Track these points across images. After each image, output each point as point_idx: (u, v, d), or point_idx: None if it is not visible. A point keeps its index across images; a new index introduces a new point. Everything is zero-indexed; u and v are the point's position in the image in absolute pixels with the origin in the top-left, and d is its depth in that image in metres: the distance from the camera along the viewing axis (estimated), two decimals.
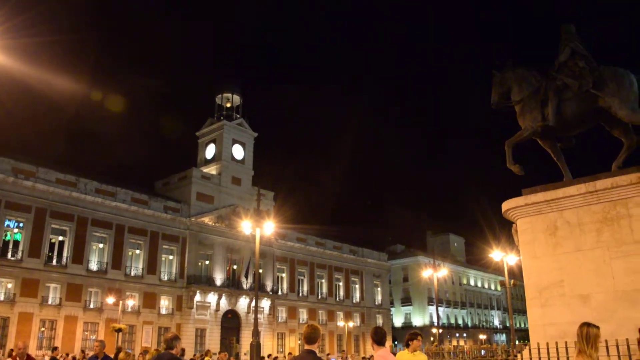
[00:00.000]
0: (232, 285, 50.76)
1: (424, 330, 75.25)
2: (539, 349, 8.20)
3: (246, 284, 51.19)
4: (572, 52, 9.99)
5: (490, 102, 10.80)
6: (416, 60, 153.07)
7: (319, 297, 60.81)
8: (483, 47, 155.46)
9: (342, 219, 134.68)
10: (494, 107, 10.77)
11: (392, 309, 77.75)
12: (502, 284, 37.42)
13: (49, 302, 39.18)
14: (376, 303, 68.24)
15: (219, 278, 50.02)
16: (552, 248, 9.31)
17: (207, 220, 50.36)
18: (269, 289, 53.75)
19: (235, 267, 51.94)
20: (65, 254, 40.89)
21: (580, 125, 10.09)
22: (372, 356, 7.02)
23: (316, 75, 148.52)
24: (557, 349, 7.91)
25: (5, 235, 38.31)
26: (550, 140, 10.34)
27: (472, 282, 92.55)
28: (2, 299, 36.86)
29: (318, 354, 5.52)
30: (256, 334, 24.53)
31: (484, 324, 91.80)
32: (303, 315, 58.06)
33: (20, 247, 38.57)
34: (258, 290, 27.61)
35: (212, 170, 54.58)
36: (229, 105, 59.21)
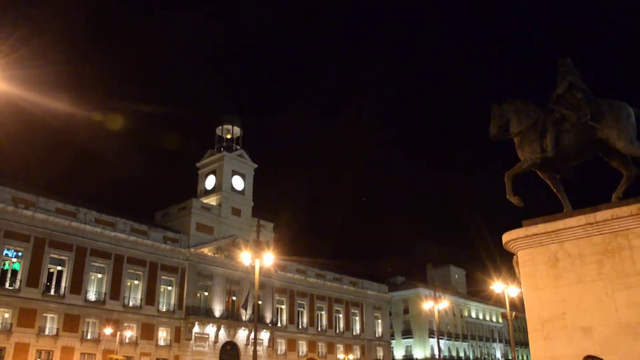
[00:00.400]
0: (231, 317, 50.29)
1: None
2: None
3: (245, 315, 50.70)
4: (570, 84, 10.11)
5: (489, 134, 10.90)
6: (418, 88, 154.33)
7: (319, 329, 60.17)
8: (479, 77, 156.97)
9: (342, 250, 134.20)
10: (493, 139, 10.85)
11: (393, 342, 76.82)
12: (504, 316, 37.07)
13: (46, 333, 38.80)
14: (377, 335, 67.49)
15: (218, 309, 49.58)
16: (554, 280, 9.26)
17: (206, 251, 50.15)
18: (268, 320, 53.24)
19: (234, 298, 51.54)
20: (63, 283, 40.64)
21: (579, 157, 10.14)
22: None
23: (317, 105, 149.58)
24: None
25: (4, 265, 38.15)
26: (549, 172, 10.38)
27: (473, 314, 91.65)
28: None
29: None
30: None
31: (486, 356, 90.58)
32: (303, 347, 57.35)
33: (19, 277, 38.37)
34: (257, 321, 27.37)
35: (212, 201, 54.58)
36: (229, 136, 59.53)
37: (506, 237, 10.08)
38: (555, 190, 10.38)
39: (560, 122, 9.95)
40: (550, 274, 9.33)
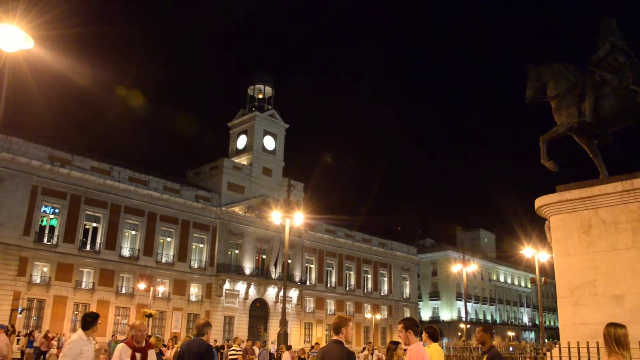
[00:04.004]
0: (261, 275, 51.15)
1: (452, 325, 74.78)
2: (569, 348, 8.09)
3: (275, 273, 51.52)
4: (612, 46, 9.75)
5: (525, 97, 10.63)
6: (449, 58, 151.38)
7: (347, 288, 60.90)
8: (519, 38, 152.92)
9: (372, 211, 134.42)
10: (529, 102, 10.57)
11: (420, 303, 77.42)
12: (533, 281, 36.95)
13: (83, 287, 40.09)
14: (404, 296, 68.03)
15: (248, 267, 50.46)
16: (586, 246, 9.15)
17: (237, 210, 50.76)
18: (297, 279, 54.03)
19: (264, 256, 52.31)
20: (98, 240, 41.72)
21: (619, 122, 9.85)
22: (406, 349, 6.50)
23: (349, 67, 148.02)
24: (587, 348, 7.80)
25: (42, 221, 39.25)
26: (586, 137, 10.12)
27: (502, 279, 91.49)
28: (38, 281, 37.87)
29: (346, 345, 5.51)
30: (284, 323, 24.75)
31: (513, 321, 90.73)
32: (331, 306, 58.25)
33: (56, 233, 39.50)
34: (287, 280, 27.81)
35: (243, 160, 54.92)
36: (260, 96, 59.41)
37: (539, 202, 9.95)
38: (591, 156, 10.16)
39: (600, 86, 9.63)
40: (583, 240, 9.22)
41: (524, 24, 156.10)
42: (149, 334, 25.91)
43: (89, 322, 6.73)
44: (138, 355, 6.73)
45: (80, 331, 6.68)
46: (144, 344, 6.95)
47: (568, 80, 10.02)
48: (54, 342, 26.97)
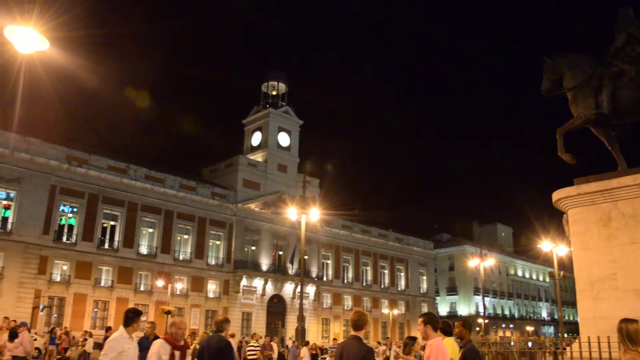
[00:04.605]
0: (278, 271, 51.30)
1: (470, 320, 74.33)
2: (589, 343, 8.01)
3: (292, 269, 51.65)
4: (629, 37, 9.61)
5: (541, 89, 10.51)
6: (467, 52, 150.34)
7: (364, 284, 60.88)
8: (538, 29, 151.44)
9: (388, 207, 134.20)
10: (545, 94, 10.45)
11: (437, 298, 77.18)
12: (551, 275, 36.66)
13: (102, 284, 40.53)
14: (421, 291, 67.85)
15: (265, 263, 50.63)
16: (605, 240, 9.04)
17: (253, 206, 50.93)
18: (314, 275, 54.11)
19: (281, 252, 52.44)
20: (116, 238, 42.11)
21: (637, 113, 9.70)
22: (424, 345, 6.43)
23: (365, 62, 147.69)
24: (608, 343, 7.72)
25: (61, 220, 39.73)
26: (604, 129, 9.99)
27: (519, 273, 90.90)
28: (58, 280, 38.35)
29: (364, 341, 5.51)
30: (301, 319, 24.84)
31: (531, 315, 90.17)
32: (348, 301, 58.30)
33: (75, 231, 39.94)
34: (304, 276, 27.87)
35: (258, 157, 55.05)
36: (274, 93, 59.49)
37: (556, 195, 9.85)
38: (610, 148, 10.03)
39: (617, 77, 9.50)
40: (602, 233, 9.11)
41: (540, 12, 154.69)
42: (168, 330, 26.17)
43: (130, 318, 6.49)
44: (177, 353, 6.44)
45: (121, 328, 6.47)
46: (182, 343, 6.69)
47: (585, 72, 9.88)
48: (77, 340, 27.24)
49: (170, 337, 6.50)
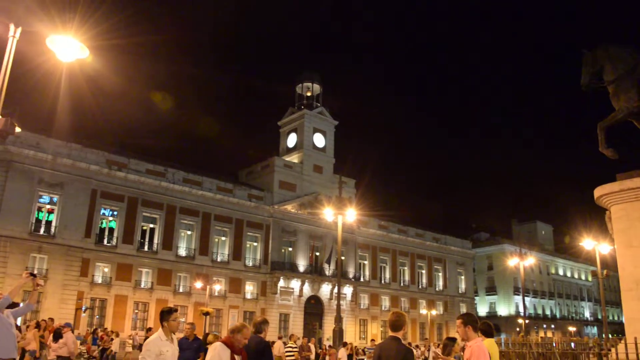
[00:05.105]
0: (315, 272, 51.38)
1: (509, 321, 73.28)
2: (636, 344, 7.80)
3: (329, 270, 51.67)
4: None
5: (580, 83, 10.24)
6: (506, 45, 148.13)
7: (402, 284, 60.48)
8: (578, 21, 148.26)
9: (425, 206, 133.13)
10: (585, 89, 10.17)
11: (476, 298, 76.16)
12: (594, 274, 35.78)
13: (142, 286, 41.27)
14: (460, 291, 67.05)
15: (301, 264, 50.78)
16: None
17: (289, 207, 51.14)
18: (351, 275, 54.01)
19: (317, 254, 52.51)
20: (155, 240, 42.82)
21: None
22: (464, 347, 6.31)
23: (400, 61, 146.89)
24: None
25: (102, 223, 40.64)
26: None
27: (560, 272, 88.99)
28: (100, 281, 39.25)
29: (403, 342, 5.46)
30: (339, 320, 24.77)
31: (574, 315, 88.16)
32: (385, 302, 58.01)
33: (115, 234, 40.80)
34: (340, 276, 27.82)
35: (294, 158, 55.25)
36: (309, 94, 59.62)
37: (598, 191, 9.61)
38: None
39: None
40: None
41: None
42: (207, 331, 26.35)
43: (162, 315, 6.39)
44: (238, 358, 6.27)
45: (160, 330, 6.38)
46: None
47: (626, 64, 9.58)
48: (116, 340, 27.74)
49: (229, 340, 6.33)
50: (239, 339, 6.33)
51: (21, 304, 8.15)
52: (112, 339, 26.58)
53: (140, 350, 6.54)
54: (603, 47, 9.94)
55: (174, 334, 6.51)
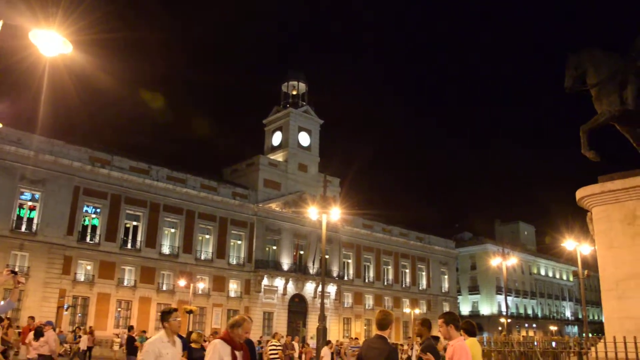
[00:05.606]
0: (299, 270, 51.39)
1: (492, 320, 73.83)
2: (615, 343, 7.90)
3: (313, 269, 51.71)
4: None
5: (563, 86, 10.35)
6: (487, 48, 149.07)
7: (385, 283, 60.71)
8: (559, 27, 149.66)
9: (409, 206, 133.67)
10: (568, 91, 10.28)
11: (459, 297, 76.62)
12: (575, 274, 36.20)
13: (125, 284, 41.01)
14: (443, 291, 67.46)
15: (286, 263, 50.77)
16: (631, 238, 8.91)
17: (274, 206, 51.09)
18: (335, 274, 54.10)
19: (301, 252, 52.51)
20: (139, 238, 42.56)
21: None
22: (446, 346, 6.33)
23: (383, 60, 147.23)
24: (635, 343, 7.60)
25: (84, 220, 40.27)
26: (629, 125, 9.83)
27: (542, 272, 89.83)
28: (82, 279, 38.90)
29: (389, 341, 5.48)
30: (323, 318, 24.77)
31: (555, 315, 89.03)
32: (369, 301, 58.20)
33: (98, 232, 40.47)
34: (324, 275, 27.85)
35: (278, 157, 55.20)
36: (294, 92, 59.53)
37: (580, 193, 9.72)
38: (635, 145, 9.87)
39: None
40: (627, 232, 8.97)
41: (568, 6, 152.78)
42: (190, 329, 26.24)
43: (162, 316, 6.24)
44: (239, 354, 5.94)
45: (162, 332, 6.19)
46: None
47: (609, 68, 9.70)
48: (84, 337, 27.53)
49: (228, 336, 5.98)
50: (239, 334, 5.98)
51: (1, 302, 8.05)
52: (79, 336, 26.37)
53: (126, 349, 6.53)
54: (587, 51, 10.07)
55: (176, 334, 6.29)
